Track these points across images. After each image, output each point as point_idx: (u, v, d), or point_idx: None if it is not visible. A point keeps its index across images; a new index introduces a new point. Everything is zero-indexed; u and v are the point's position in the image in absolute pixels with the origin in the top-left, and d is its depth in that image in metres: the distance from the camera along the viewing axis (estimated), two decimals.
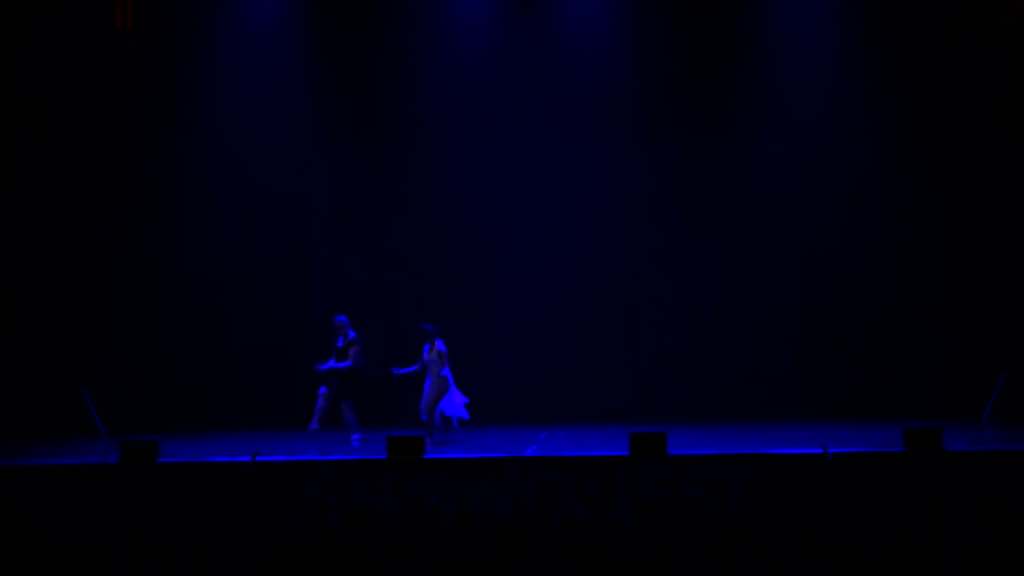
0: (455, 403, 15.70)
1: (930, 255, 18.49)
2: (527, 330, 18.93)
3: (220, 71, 18.77)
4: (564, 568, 8.13)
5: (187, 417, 17.96)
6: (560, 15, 18.89)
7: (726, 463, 12.77)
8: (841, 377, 18.43)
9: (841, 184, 18.71)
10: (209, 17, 18.73)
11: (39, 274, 18.55)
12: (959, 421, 16.26)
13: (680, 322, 18.72)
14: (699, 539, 8.67)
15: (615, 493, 12.49)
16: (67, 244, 18.65)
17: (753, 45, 18.70)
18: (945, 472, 12.35)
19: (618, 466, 12.70)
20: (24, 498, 12.05)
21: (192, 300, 18.76)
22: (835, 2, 18.65)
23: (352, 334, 15.98)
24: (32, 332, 18.48)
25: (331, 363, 15.90)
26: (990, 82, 18.22)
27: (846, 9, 18.60)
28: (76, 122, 18.52)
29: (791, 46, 18.68)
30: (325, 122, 19.01)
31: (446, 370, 15.75)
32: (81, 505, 11.61)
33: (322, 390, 15.90)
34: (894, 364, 18.41)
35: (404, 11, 18.83)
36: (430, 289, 18.93)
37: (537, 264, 18.93)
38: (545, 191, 19.02)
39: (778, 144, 18.80)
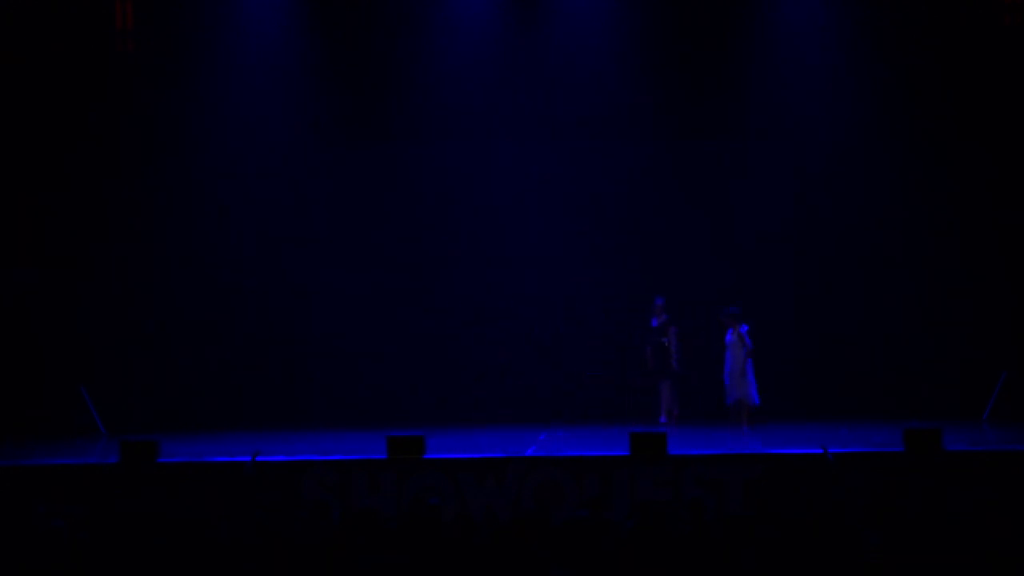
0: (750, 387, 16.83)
1: (930, 255, 18.48)
2: (528, 330, 18.93)
3: (220, 71, 18.75)
4: (564, 568, 8.13)
5: (187, 417, 17.97)
6: (561, 12, 18.86)
7: (726, 463, 12.79)
8: (841, 377, 18.43)
9: (840, 184, 18.71)
10: (209, 18, 18.72)
11: (39, 273, 18.56)
12: (959, 421, 16.26)
13: (680, 322, 18.70)
14: (699, 539, 8.68)
15: (615, 493, 12.50)
16: (67, 243, 18.64)
17: (754, 45, 18.68)
18: (945, 472, 12.37)
19: (618, 466, 12.71)
20: (24, 498, 12.08)
21: (193, 299, 18.76)
22: (835, 3, 18.64)
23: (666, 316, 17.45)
24: (32, 332, 18.48)
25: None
26: (990, 82, 18.21)
27: (845, 9, 18.59)
28: (76, 122, 18.50)
29: (791, 45, 18.66)
30: (326, 122, 19.00)
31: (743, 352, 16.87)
32: (81, 505, 11.60)
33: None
34: (894, 364, 18.41)
35: (406, 12, 18.80)
36: (430, 289, 18.96)
37: (537, 264, 18.94)
38: (546, 191, 19.02)
39: (779, 144, 18.81)
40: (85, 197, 18.60)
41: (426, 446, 13.12)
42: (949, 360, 18.08)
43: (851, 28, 18.53)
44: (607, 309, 18.92)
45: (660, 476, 12.63)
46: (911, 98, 18.39)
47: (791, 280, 18.84)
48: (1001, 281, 18.29)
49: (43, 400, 18.06)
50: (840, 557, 8.25)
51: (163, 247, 18.82)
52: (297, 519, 9.90)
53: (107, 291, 18.67)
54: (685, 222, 18.94)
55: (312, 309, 19.08)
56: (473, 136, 18.96)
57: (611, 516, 10.08)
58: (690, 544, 8.55)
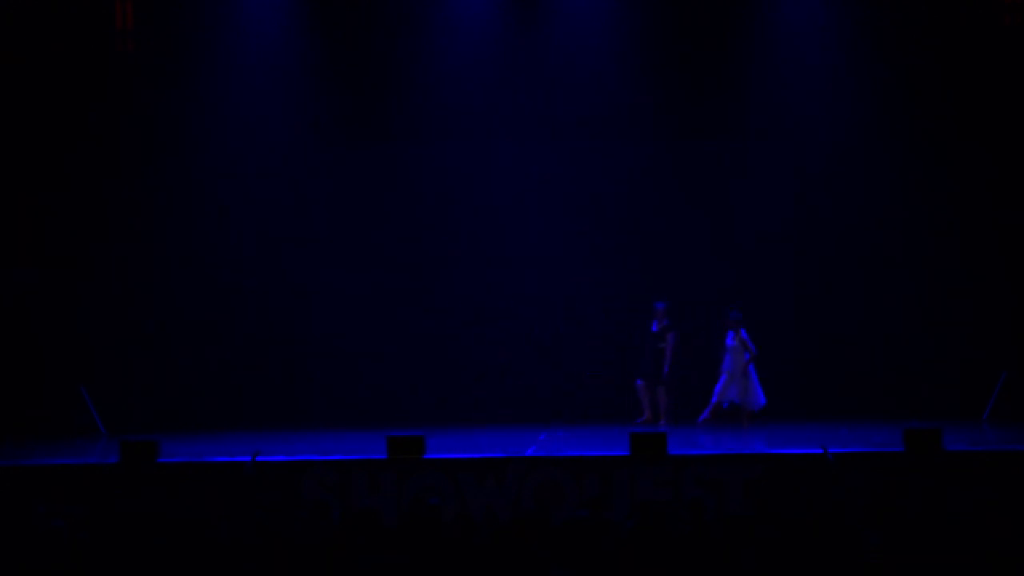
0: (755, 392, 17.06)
1: (930, 255, 18.47)
2: (528, 330, 18.93)
3: (220, 71, 18.74)
4: (564, 568, 8.13)
5: (187, 417, 17.97)
6: (561, 12, 18.85)
7: (726, 463, 12.79)
8: (841, 377, 18.42)
9: (840, 184, 18.70)
10: (209, 18, 18.71)
11: (39, 273, 18.56)
12: (959, 421, 16.26)
13: (680, 322, 18.70)
14: (699, 539, 8.68)
15: (615, 493, 12.49)
16: (67, 243, 18.64)
17: (754, 45, 18.67)
18: (945, 472, 12.36)
19: (618, 466, 12.70)
20: (24, 498, 12.08)
21: (193, 299, 18.76)
22: (835, 3, 18.63)
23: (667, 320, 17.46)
24: (32, 332, 18.48)
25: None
26: (990, 82, 18.21)
27: (845, 9, 18.58)
28: (76, 122, 18.49)
29: (791, 45, 18.64)
30: (326, 122, 18.98)
31: (746, 356, 17.03)
32: (81, 505, 11.61)
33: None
34: (894, 364, 18.40)
35: (406, 12, 18.79)
36: (430, 289, 18.96)
37: (537, 264, 18.93)
38: (546, 191, 19.02)
39: (779, 144, 18.81)
40: (85, 197, 18.58)
41: (426, 446, 13.12)
42: (949, 360, 18.07)
43: (851, 28, 18.51)
44: (607, 309, 18.91)
45: (660, 476, 12.62)
46: (911, 98, 18.37)
47: (791, 280, 18.83)
48: (1001, 281, 18.28)
49: (43, 400, 18.05)
50: (840, 557, 8.25)
51: (163, 247, 18.80)
52: (297, 519, 9.91)
53: (107, 291, 18.66)
54: (685, 222, 18.93)
55: (312, 309, 19.07)
56: (473, 136, 18.96)
57: (611, 516, 10.08)
58: (690, 544, 8.55)
